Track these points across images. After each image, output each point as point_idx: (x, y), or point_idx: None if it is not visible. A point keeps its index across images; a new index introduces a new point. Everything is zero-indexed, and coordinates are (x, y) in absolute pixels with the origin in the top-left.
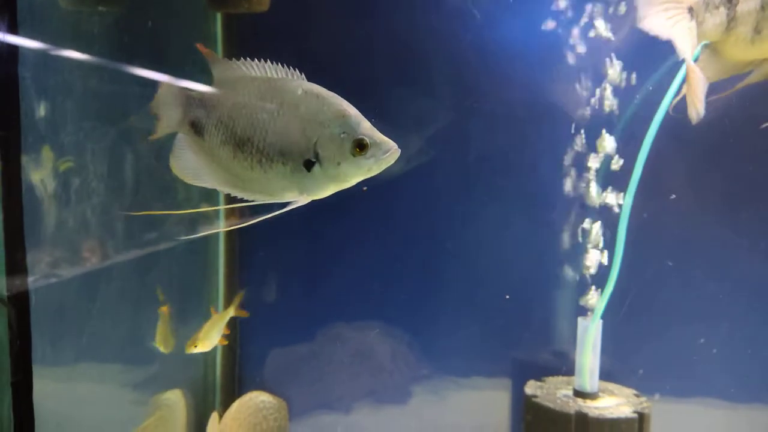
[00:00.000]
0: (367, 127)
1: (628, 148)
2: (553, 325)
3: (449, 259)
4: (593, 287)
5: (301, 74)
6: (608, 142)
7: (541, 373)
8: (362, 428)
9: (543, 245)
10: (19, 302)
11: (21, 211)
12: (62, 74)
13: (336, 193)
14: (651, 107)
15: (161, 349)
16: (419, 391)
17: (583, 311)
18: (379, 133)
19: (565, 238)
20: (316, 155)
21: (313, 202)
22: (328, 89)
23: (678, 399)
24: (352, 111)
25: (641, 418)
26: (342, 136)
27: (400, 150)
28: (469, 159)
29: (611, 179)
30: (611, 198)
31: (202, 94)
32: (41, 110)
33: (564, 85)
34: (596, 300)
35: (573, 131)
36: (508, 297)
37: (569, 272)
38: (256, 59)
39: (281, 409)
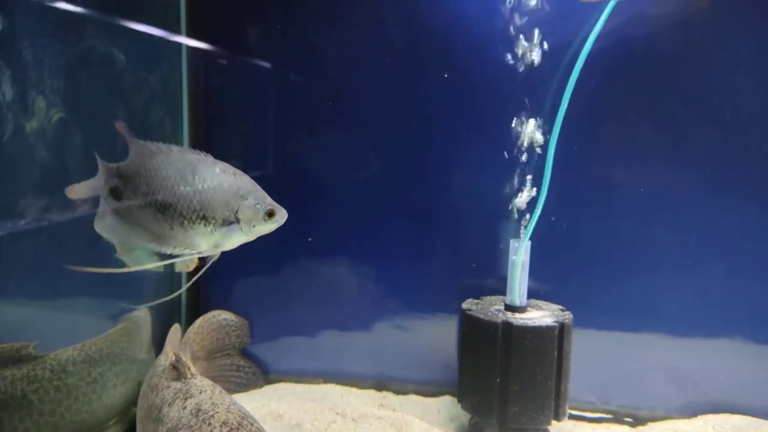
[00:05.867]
0: (269, 198)
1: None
2: (500, 255)
3: (407, 199)
4: (527, 214)
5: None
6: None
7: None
8: (324, 350)
9: (494, 182)
10: None
11: None
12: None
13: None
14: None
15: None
16: (381, 320)
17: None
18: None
19: (511, 172)
20: (237, 219)
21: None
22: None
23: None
24: (257, 185)
25: (561, 328)
26: (257, 206)
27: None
28: (421, 103)
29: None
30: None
31: (118, 165)
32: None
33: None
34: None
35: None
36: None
37: (516, 205)
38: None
39: (243, 327)
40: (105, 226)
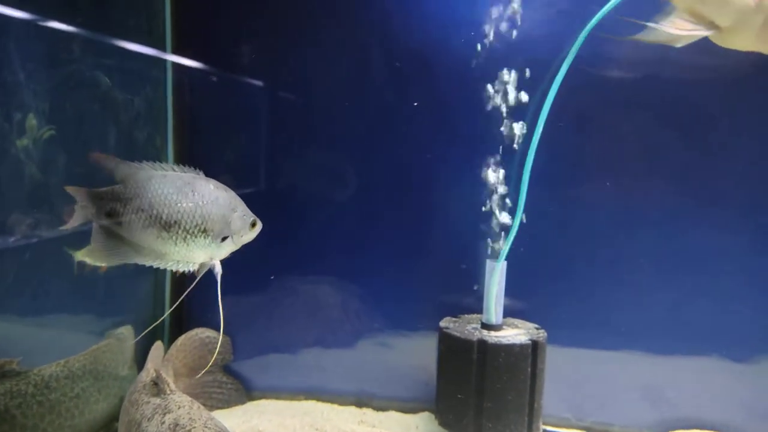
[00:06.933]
0: (249, 210)
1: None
2: (480, 274)
3: (390, 218)
4: (502, 233)
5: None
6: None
7: None
8: (306, 367)
9: (474, 203)
10: None
11: None
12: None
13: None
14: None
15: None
16: (363, 338)
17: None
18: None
19: (489, 193)
20: (230, 231)
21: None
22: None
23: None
24: (240, 198)
25: (535, 345)
26: (244, 217)
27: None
28: (403, 124)
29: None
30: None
31: (113, 188)
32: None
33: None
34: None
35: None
36: None
37: (493, 225)
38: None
39: (225, 344)
40: (106, 251)
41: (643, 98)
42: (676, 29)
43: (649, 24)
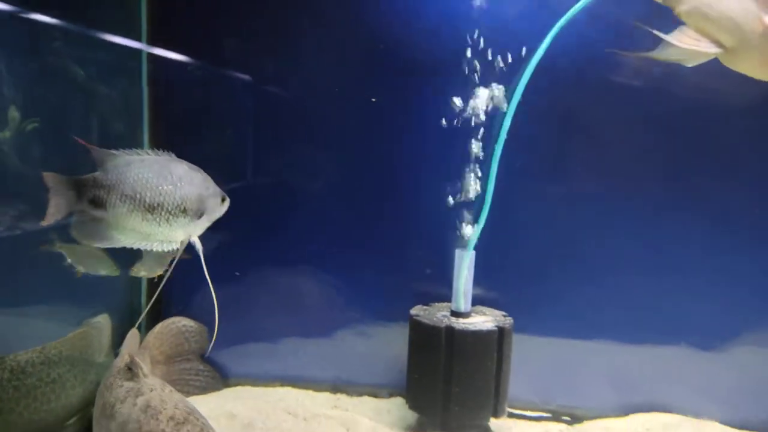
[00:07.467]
0: (218, 187)
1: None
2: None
3: (366, 210)
4: (471, 222)
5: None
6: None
7: None
8: (282, 355)
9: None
10: None
11: None
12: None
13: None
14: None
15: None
16: (340, 327)
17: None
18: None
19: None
20: (205, 207)
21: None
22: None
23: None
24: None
25: (501, 332)
26: (215, 194)
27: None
28: (380, 120)
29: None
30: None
31: (94, 176)
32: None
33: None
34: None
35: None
36: None
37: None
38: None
39: (202, 333)
40: (88, 235)
41: (623, 96)
42: (682, 42)
43: (656, 32)
